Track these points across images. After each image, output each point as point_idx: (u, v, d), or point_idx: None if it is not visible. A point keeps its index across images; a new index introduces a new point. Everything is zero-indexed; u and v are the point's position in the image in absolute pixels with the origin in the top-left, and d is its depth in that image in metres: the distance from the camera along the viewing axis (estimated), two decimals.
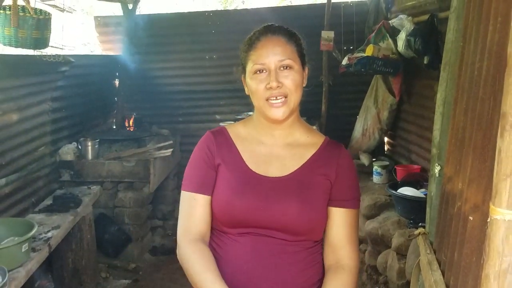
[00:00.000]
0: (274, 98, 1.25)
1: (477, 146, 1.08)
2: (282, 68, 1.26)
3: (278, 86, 1.24)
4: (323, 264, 1.34)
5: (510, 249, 0.76)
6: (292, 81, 1.25)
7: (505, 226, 0.76)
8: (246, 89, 1.35)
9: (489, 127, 1.00)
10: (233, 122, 3.44)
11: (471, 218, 1.04)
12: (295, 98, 1.28)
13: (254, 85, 1.27)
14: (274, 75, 1.24)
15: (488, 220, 0.78)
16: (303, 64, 1.33)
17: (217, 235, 1.32)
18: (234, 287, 1.21)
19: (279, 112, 1.26)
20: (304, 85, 1.32)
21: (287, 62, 1.26)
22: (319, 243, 1.33)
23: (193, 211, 1.30)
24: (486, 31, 1.13)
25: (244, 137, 1.36)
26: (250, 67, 1.29)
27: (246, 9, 6.60)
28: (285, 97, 1.26)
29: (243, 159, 1.31)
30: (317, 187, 1.28)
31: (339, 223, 1.30)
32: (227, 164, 1.31)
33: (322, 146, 1.35)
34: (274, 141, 1.34)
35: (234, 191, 1.26)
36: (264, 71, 1.26)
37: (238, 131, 1.38)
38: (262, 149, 1.33)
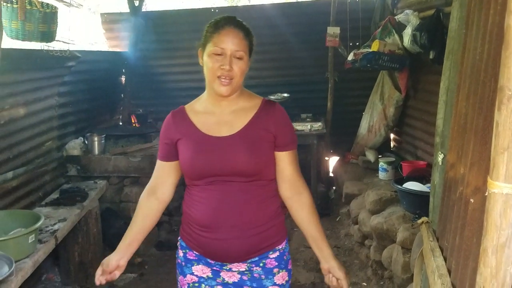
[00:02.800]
0: (224, 78, 1.55)
1: (478, 129, 1.08)
2: (235, 57, 1.55)
3: (229, 70, 1.54)
4: (278, 198, 1.69)
5: (507, 223, 0.76)
6: (239, 69, 1.57)
7: (502, 200, 0.76)
8: (200, 60, 1.64)
9: (490, 109, 1.00)
10: None
11: (472, 200, 1.04)
12: (238, 81, 1.59)
13: (210, 63, 1.56)
14: (228, 61, 1.54)
15: (486, 194, 0.78)
16: (249, 56, 1.62)
17: (192, 188, 1.67)
18: (208, 222, 1.60)
19: (224, 89, 1.57)
20: (246, 71, 1.63)
21: (240, 54, 1.56)
22: (272, 181, 1.67)
23: (156, 173, 1.75)
24: (487, 15, 1.13)
25: (198, 111, 1.69)
26: (210, 47, 1.57)
27: (252, 5, 6.62)
28: (232, 79, 1.56)
29: (197, 127, 1.64)
30: (260, 138, 1.61)
31: (288, 162, 1.66)
32: (185, 135, 1.65)
33: (261, 106, 1.66)
34: (222, 109, 1.65)
35: (193, 152, 1.61)
36: (221, 55, 1.55)
37: (193, 107, 1.71)
38: (213, 117, 1.65)
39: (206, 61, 1.58)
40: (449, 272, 1.24)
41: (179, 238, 1.76)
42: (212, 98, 1.66)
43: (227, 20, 1.59)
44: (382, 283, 3.38)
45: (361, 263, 3.85)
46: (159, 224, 4.61)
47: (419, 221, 1.67)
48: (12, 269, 2.07)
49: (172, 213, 5.03)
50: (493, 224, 0.77)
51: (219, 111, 1.65)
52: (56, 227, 2.89)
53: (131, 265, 3.92)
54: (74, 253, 3.50)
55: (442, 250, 1.39)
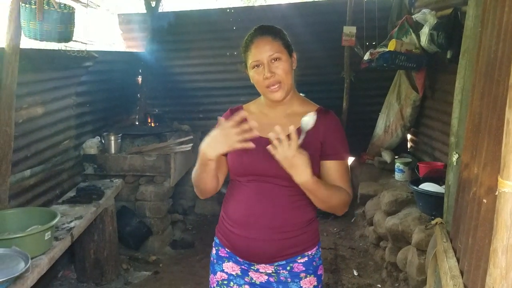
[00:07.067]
0: (272, 86, 1.59)
1: (492, 129, 1.06)
2: (273, 61, 1.58)
3: (271, 76, 1.57)
4: (315, 208, 1.65)
5: None
6: (282, 70, 1.58)
7: None
8: (251, 80, 1.68)
9: (503, 108, 0.98)
10: None
11: (485, 201, 1.02)
12: (287, 82, 1.60)
13: (255, 77, 1.62)
14: (267, 68, 1.57)
15: (496, 193, 0.77)
16: (290, 52, 1.63)
17: (233, 183, 1.72)
18: (239, 218, 1.64)
19: (277, 95, 1.61)
20: (294, 68, 1.65)
21: (276, 55, 1.58)
22: None
23: None
24: (502, 13, 1.11)
25: (253, 112, 1.73)
26: (249, 64, 1.62)
27: (268, 5, 6.60)
28: (279, 83, 1.59)
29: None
30: (307, 145, 1.55)
31: (332, 172, 1.63)
32: None
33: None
34: (276, 113, 1.69)
35: (240, 149, 1.58)
36: (260, 65, 1.59)
37: (249, 108, 1.77)
38: (266, 119, 1.69)
39: (252, 77, 1.64)
40: (462, 273, 1.22)
41: (214, 236, 1.79)
42: (267, 103, 1.71)
43: (253, 34, 1.63)
44: (397, 285, 3.35)
45: (376, 264, 3.82)
46: (173, 223, 4.65)
47: (433, 222, 1.65)
48: (28, 265, 2.10)
49: (186, 212, 5.07)
50: (503, 224, 0.75)
51: (273, 114, 1.69)
52: (72, 224, 2.93)
53: (146, 263, 3.96)
54: (90, 250, 3.54)
55: (455, 251, 1.37)
